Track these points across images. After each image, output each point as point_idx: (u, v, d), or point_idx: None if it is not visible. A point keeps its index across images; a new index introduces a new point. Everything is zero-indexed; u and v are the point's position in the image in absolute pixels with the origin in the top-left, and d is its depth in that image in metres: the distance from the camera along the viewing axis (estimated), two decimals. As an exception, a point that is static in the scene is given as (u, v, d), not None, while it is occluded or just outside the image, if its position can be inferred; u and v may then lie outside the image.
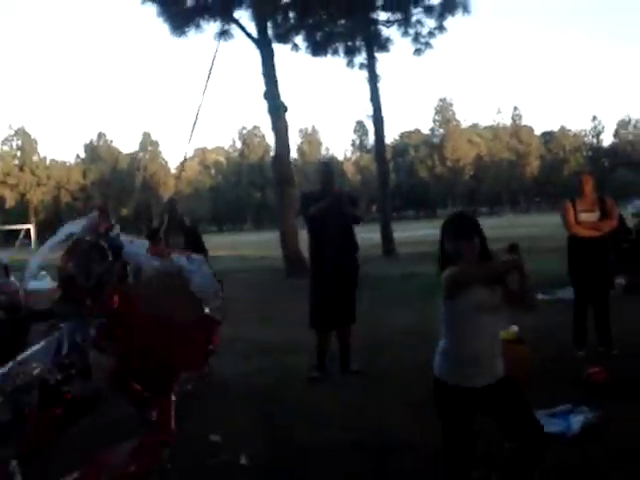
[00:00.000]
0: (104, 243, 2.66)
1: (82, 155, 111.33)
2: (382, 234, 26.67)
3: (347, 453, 5.31)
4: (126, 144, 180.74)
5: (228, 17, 22.54)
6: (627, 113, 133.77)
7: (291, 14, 24.48)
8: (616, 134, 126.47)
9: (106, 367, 2.40)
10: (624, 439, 5.12)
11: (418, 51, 27.28)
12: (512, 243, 3.87)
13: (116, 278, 2.62)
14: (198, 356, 2.40)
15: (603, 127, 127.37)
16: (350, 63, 27.43)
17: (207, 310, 2.68)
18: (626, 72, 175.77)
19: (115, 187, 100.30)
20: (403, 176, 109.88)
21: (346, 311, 7.62)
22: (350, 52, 27.20)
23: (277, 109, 20.25)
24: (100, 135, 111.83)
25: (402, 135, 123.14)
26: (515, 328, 7.52)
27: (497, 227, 51.57)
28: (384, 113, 26.70)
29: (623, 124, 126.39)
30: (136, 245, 2.70)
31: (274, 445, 5.62)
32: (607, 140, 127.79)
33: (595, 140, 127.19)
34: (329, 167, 8.24)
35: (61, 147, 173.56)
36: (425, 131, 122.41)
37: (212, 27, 22.94)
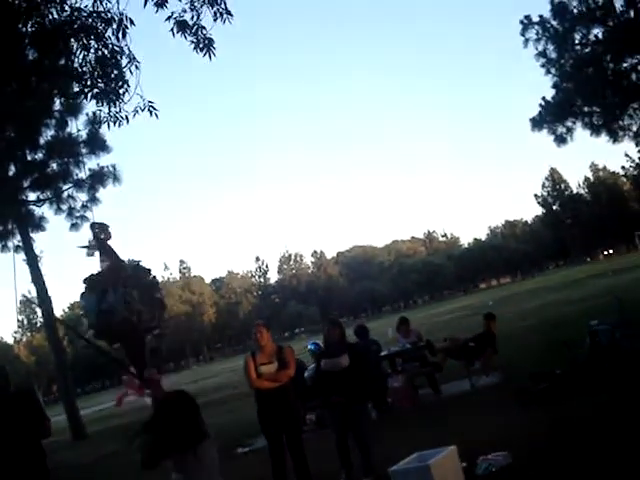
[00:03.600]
0: None
1: None
2: (68, 416, 25.24)
3: None
4: None
5: None
6: (286, 249, 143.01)
7: None
8: (280, 270, 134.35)
9: None
10: None
11: (75, 226, 27.02)
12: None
13: None
14: None
15: (267, 265, 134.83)
16: (5, 247, 26.37)
17: None
18: (284, 212, 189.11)
19: None
20: (80, 349, 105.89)
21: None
22: (2, 236, 26.15)
23: None
24: None
25: (72, 306, 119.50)
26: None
27: (186, 382, 51.54)
28: (49, 287, 25.80)
29: (284, 259, 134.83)
30: None
31: None
32: (273, 277, 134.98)
33: (262, 279, 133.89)
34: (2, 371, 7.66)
35: None
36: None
37: None
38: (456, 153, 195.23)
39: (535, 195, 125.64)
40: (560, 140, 28.03)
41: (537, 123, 28.22)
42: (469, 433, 8.87)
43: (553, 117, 27.87)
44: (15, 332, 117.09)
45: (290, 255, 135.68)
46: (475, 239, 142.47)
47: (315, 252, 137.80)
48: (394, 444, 9.28)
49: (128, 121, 10.31)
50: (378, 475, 8.01)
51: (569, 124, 27.83)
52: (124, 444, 4.77)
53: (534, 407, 9.77)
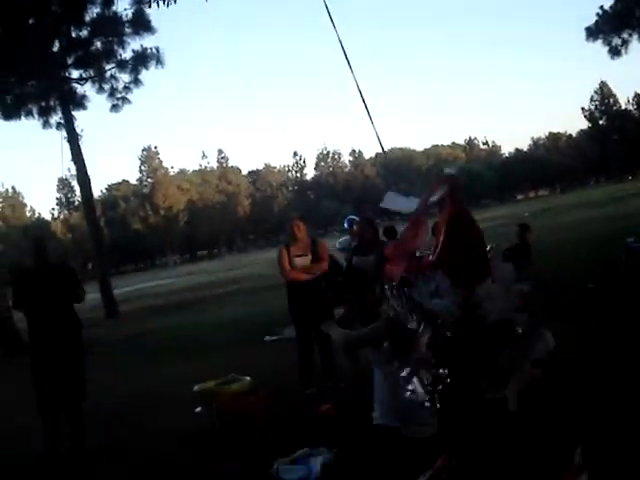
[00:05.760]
0: None
1: None
2: (102, 294, 25.90)
3: None
4: None
5: None
6: (324, 145, 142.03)
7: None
8: (317, 167, 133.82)
9: None
10: (358, 473, 5.36)
11: (115, 107, 27.06)
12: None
13: None
14: None
15: (305, 161, 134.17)
16: (46, 124, 26.51)
17: None
18: (320, 107, 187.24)
19: None
20: (116, 230, 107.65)
21: (73, 391, 7.27)
22: (45, 112, 26.25)
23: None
24: None
25: (110, 188, 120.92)
26: (247, 379, 7.66)
27: (219, 270, 52.43)
28: (88, 168, 26.03)
29: (322, 157, 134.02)
30: None
31: None
32: (310, 173, 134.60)
33: (299, 175, 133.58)
34: (41, 242, 7.82)
35: None
36: (133, 182, 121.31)
37: None
38: (502, 58, 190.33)
39: (582, 108, 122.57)
40: (614, 52, 27.19)
41: (592, 33, 27.35)
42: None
43: (610, 27, 26.97)
44: (52, 209, 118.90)
45: (328, 152, 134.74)
46: (517, 149, 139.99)
47: (354, 151, 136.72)
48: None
49: (175, 1, 10.15)
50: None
51: (625, 36, 26.98)
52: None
53: (560, 318, 9.80)
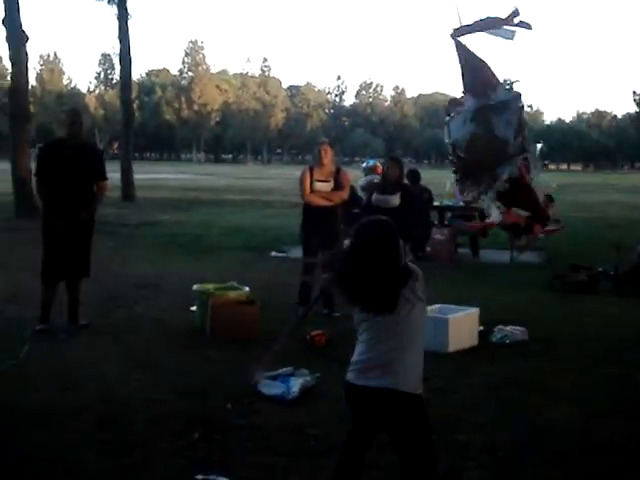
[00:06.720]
0: None
1: None
2: (122, 176, 26.03)
3: (68, 416, 5.07)
4: None
5: None
6: (369, 76, 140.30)
7: None
8: (357, 95, 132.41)
9: None
10: (334, 402, 5.45)
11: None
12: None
13: None
14: None
15: (346, 87, 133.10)
16: (99, -5, 26.28)
17: None
18: (370, 38, 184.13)
19: None
20: (148, 116, 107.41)
21: (78, 265, 7.40)
22: (100, -16, 26.03)
23: (17, 39, 18.82)
24: None
25: (149, 73, 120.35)
26: (246, 289, 7.76)
27: (240, 177, 52.46)
28: (132, 48, 25.91)
29: (365, 86, 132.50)
30: None
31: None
32: (349, 100, 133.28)
33: (338, 99, 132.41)
34: (78, 116, 7.83)
35: None
36: (174, 72, 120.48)
37: None
38: (563, 23, 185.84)
39: (634, 92, 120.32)
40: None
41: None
42: (495, 302, 8.95)
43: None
44: (90, 82, 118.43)
45: (371, 83, 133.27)
46: (559, 119, 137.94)
47: (397, 87, 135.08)
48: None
49: None
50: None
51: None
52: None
53: (566, 295, 9.84)
